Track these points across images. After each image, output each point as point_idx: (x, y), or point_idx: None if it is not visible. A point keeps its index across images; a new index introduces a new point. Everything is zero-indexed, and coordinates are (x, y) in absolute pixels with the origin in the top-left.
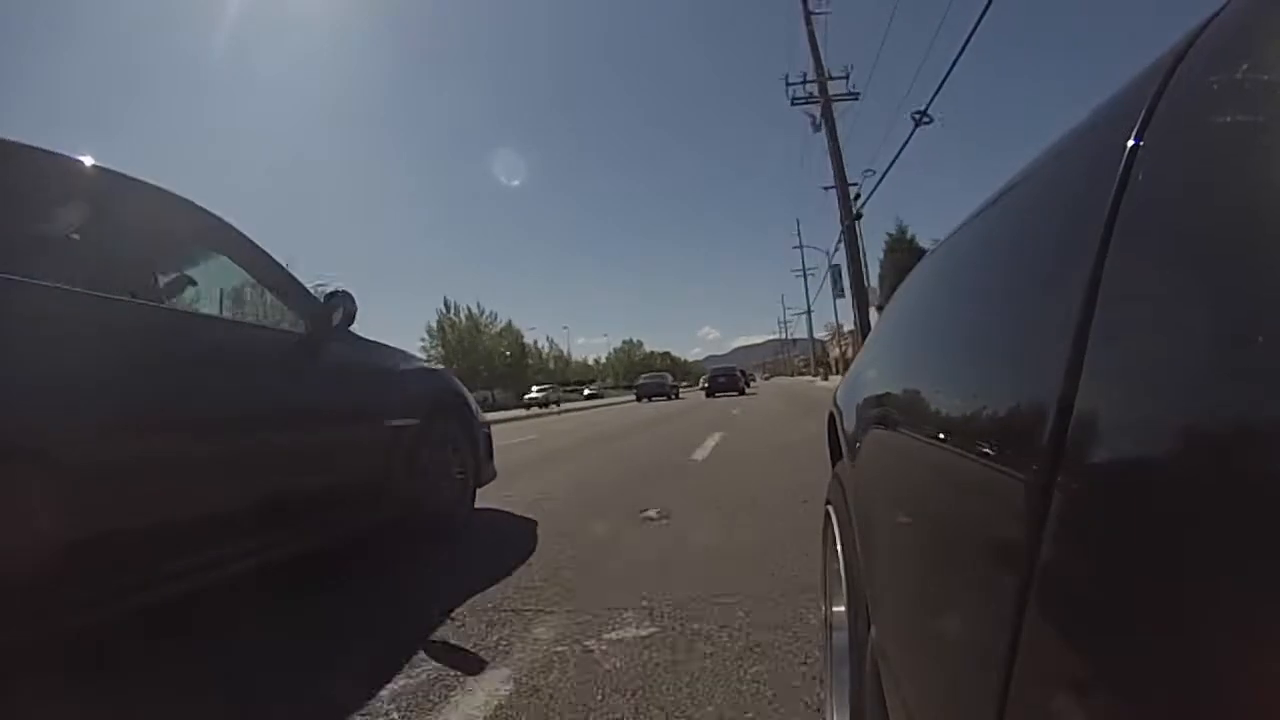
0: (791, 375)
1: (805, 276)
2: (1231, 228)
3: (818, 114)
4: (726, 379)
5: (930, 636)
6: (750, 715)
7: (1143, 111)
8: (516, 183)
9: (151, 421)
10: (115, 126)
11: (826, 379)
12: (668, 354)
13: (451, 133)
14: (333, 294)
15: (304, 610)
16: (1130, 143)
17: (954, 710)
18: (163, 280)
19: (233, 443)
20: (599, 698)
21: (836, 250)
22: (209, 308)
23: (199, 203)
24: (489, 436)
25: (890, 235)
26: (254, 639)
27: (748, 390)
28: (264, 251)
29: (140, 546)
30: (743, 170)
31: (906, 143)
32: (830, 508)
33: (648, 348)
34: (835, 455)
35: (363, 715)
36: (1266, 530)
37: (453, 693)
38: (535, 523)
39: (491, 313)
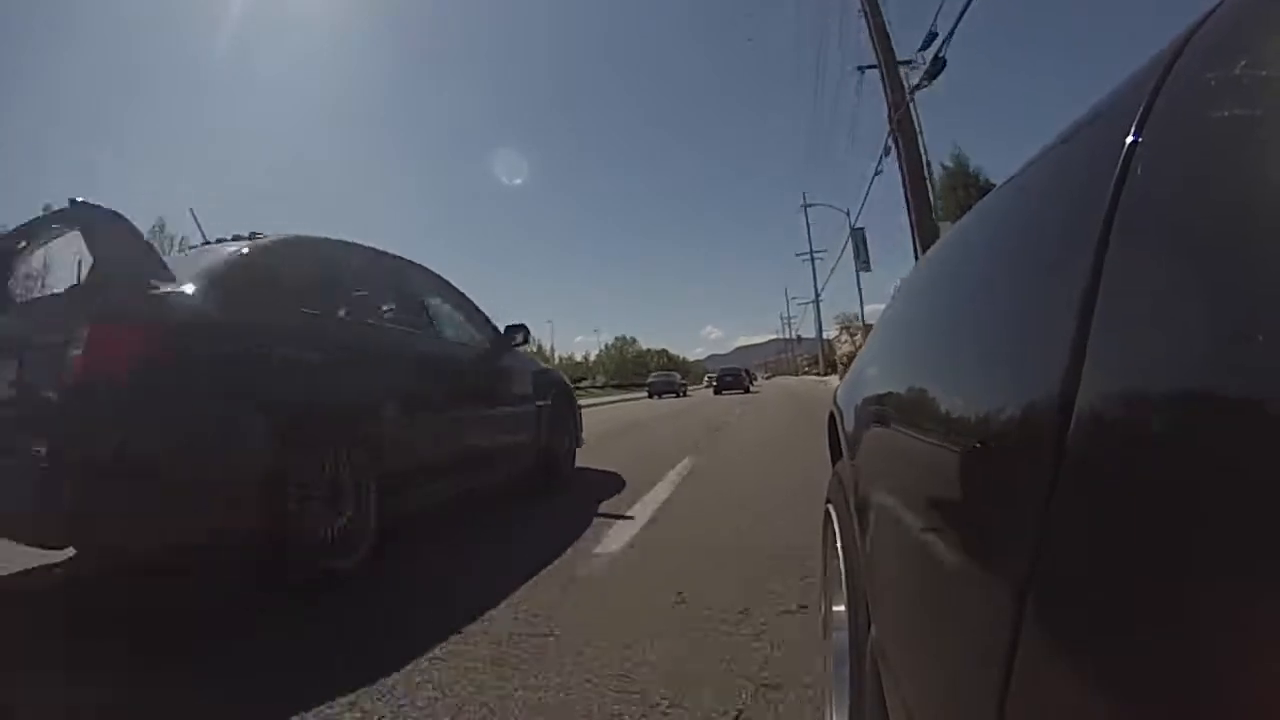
0: (796, 375)
1: (812, 259)
2: (1230, 222)
3: None
4: (733, 378)
5: (930, 636)
6: None
7: (1141, 107)
8: (519, 181)
9: (452, 401)
10: (116, 126)
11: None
12: (664, 351)
13: (450, 133)
14: (514, 326)
15: (530, 511)
16: (1129, 139)
17: (954, 710)
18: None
19: (489, 411)
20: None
21: (863, 205)
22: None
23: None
24: (580, 414)
25: (946, 168)
26: (504, 513)
27: (751, 389)
28: (465, 294)
29: (459, 463)
30: (745, 170)
31: None
32: (830, 506)
33: (643, 345)
34: (836, 454)
35: (581, 533)
36: (1268, 527)
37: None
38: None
39: None
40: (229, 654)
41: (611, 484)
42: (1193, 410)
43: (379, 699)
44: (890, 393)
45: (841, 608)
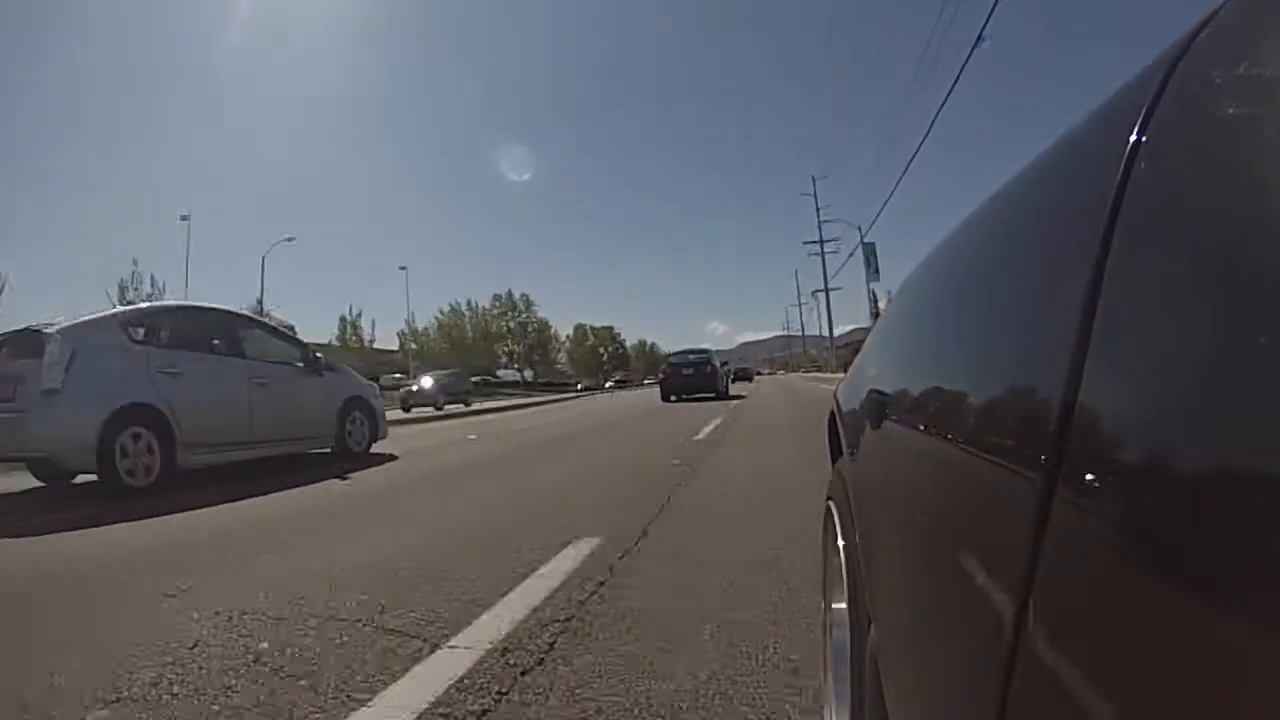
0: (830, 372)
1: (821, 248)
2: (1233, 223)
3: None
4: (743, 372)
5: (931, 634)
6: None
7: (1145, 107)
8: (527, 176)
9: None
10: (117, 125)
11: None
12: (609, 329)
13: (448, 132)
14: (725, 363)
15: (727, 399)
16: (1133, 138)
17: (954, 709)
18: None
19: (724, 373)
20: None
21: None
22: None
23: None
24: (729, 374)
25: None
26: (686, 405)
27: (753, 380)
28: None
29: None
30: (749, 167)
31: None
32: (831, 504)
33: (578, 321)
34: (836, 452)
35: (719, 406)
36: (1268, 528)
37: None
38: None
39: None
40: (696, 401)
41: (738, 394)
42: (1194, 411)
43: (724, 412)
44: (891, 391)
45: (842, 605)
